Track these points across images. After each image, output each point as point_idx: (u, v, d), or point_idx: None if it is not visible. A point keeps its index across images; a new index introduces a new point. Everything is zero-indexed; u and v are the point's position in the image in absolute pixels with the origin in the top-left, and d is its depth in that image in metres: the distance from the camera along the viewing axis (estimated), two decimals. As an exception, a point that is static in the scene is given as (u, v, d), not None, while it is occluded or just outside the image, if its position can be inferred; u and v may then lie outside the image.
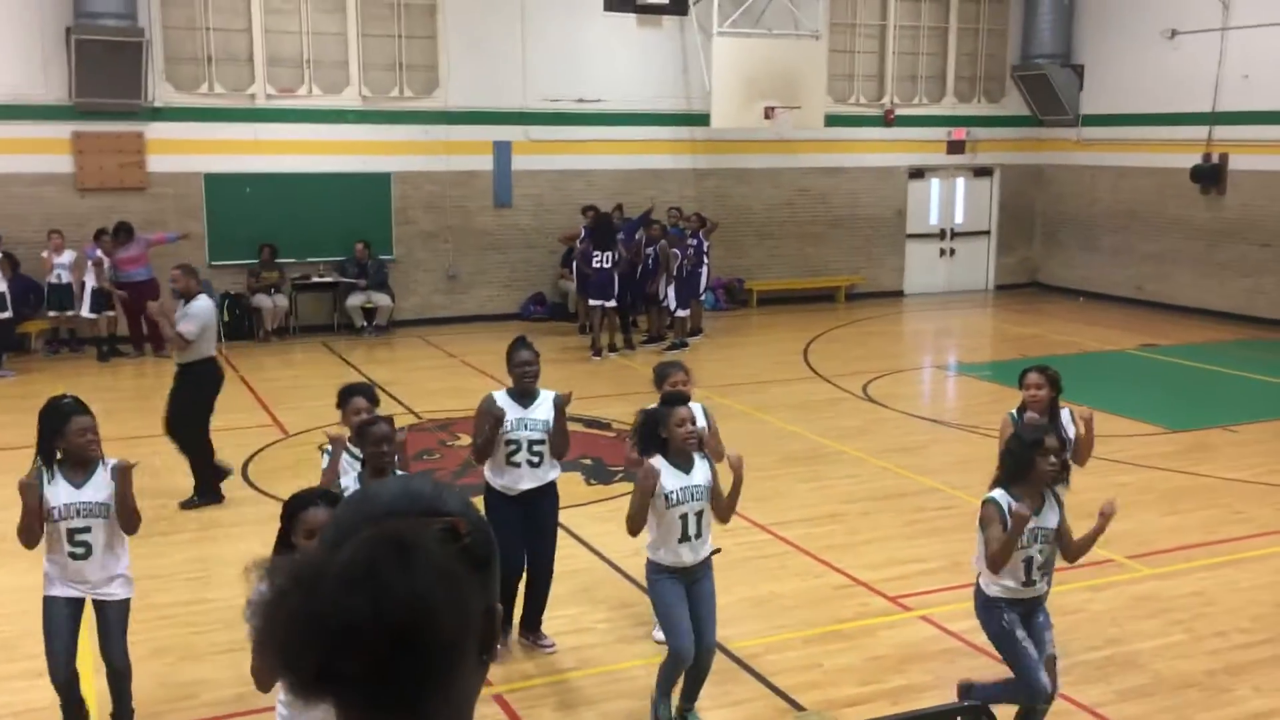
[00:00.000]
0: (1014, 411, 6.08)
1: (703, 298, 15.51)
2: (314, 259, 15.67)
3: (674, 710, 5.27)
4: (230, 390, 12.46)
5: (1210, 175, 16.95)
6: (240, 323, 15.20)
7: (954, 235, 20.05)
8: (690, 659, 5.11)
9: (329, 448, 5.48)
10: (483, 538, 1.24)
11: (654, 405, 5.30)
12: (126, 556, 5.04)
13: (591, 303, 14.24)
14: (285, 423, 10.83)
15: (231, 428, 10.76)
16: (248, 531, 7.73)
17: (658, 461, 5.07)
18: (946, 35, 19.22)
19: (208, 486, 8.46)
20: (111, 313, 13.95)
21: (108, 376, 13.21)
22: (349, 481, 5.25)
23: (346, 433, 5.51)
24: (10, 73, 13.99)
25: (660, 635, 5.67)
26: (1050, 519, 4.84)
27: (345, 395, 5.73)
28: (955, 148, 19.52)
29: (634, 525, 5.10)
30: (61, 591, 4.90)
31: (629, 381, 12.22)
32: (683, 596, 5.12)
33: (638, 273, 14.72)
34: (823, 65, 17.19)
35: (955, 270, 20.09)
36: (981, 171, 20.01)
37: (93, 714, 5.18)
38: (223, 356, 14.00)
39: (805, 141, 17.98)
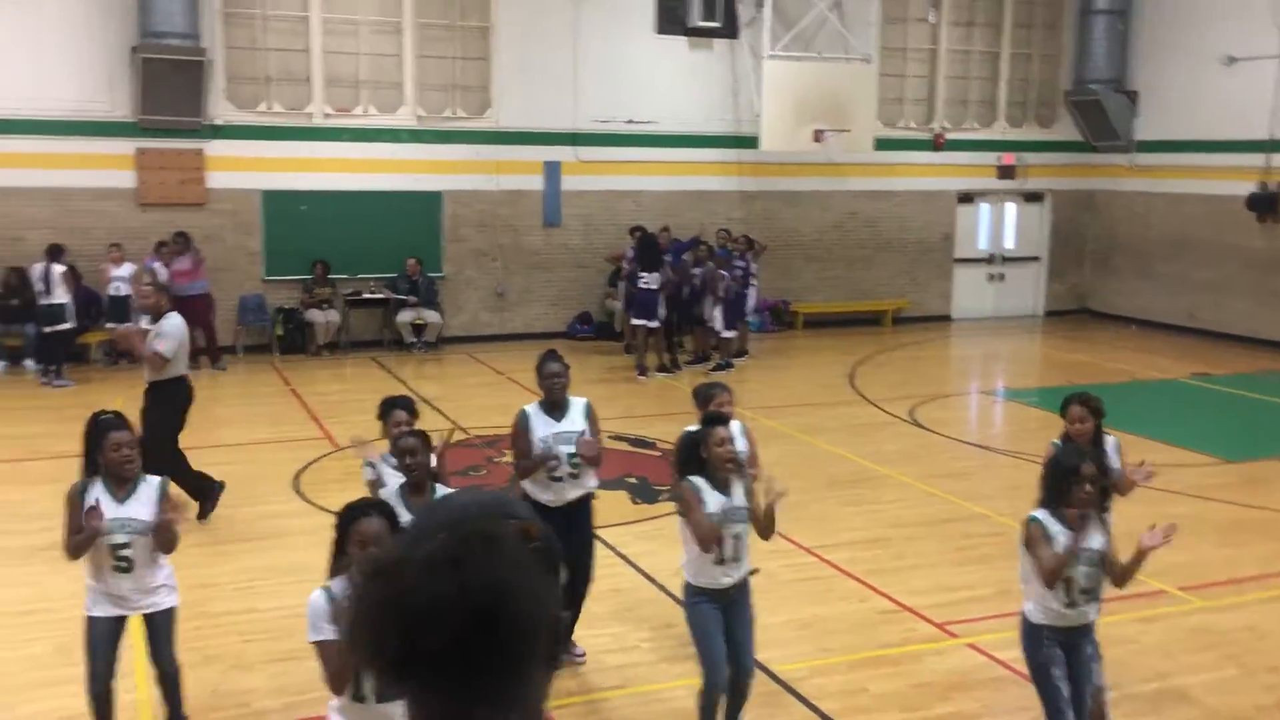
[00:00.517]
0: (1057, 440, 6.02)
1: (749, 320, 15.52)
2: (365, 275, 15.89)
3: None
4: (283, 403, 12.74)
5: (1266, 203, 16.71)
6: (294, 337, 15.44)
7: (1003, 260, 19.92)
8: (723, 689, 5.09)
9: (373, 460, 5.60)
10: (551, 544, 1.30)
11: (694, 427, 5.31)
12: (168, 565, 5.06)
13: (635, 322, 14.32)
14: (335, 435, 10.97)
15: (283, 440, 10.96)
16: (298, 542, 7.83)
17: (698, 481, 5.07)
18: (998, 60, 19.16)
19: (203, 490, 8.37)
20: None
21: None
22: (389, 493, 5.33)
23: (381, 445, 5.63)
24: (78, 90, 14.37)
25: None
26: (1095, 540, 4.80)
27: (386, 408, 5.84)
28: (1006, 172, 19.40)
29: (707, 535, 5.01)
30: (104, 611, 4.93)
31: (674, 402, 12.24)
32: (720, 624, 5.11)
33: (684, 294, 14.78)
34: (873, 89, 17.19)
35: (1004, 295, 19.94)
36: (1032, 197, 19.86)
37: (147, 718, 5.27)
38: (276, 371, 14.32)
39: (854, 165, 17.98)
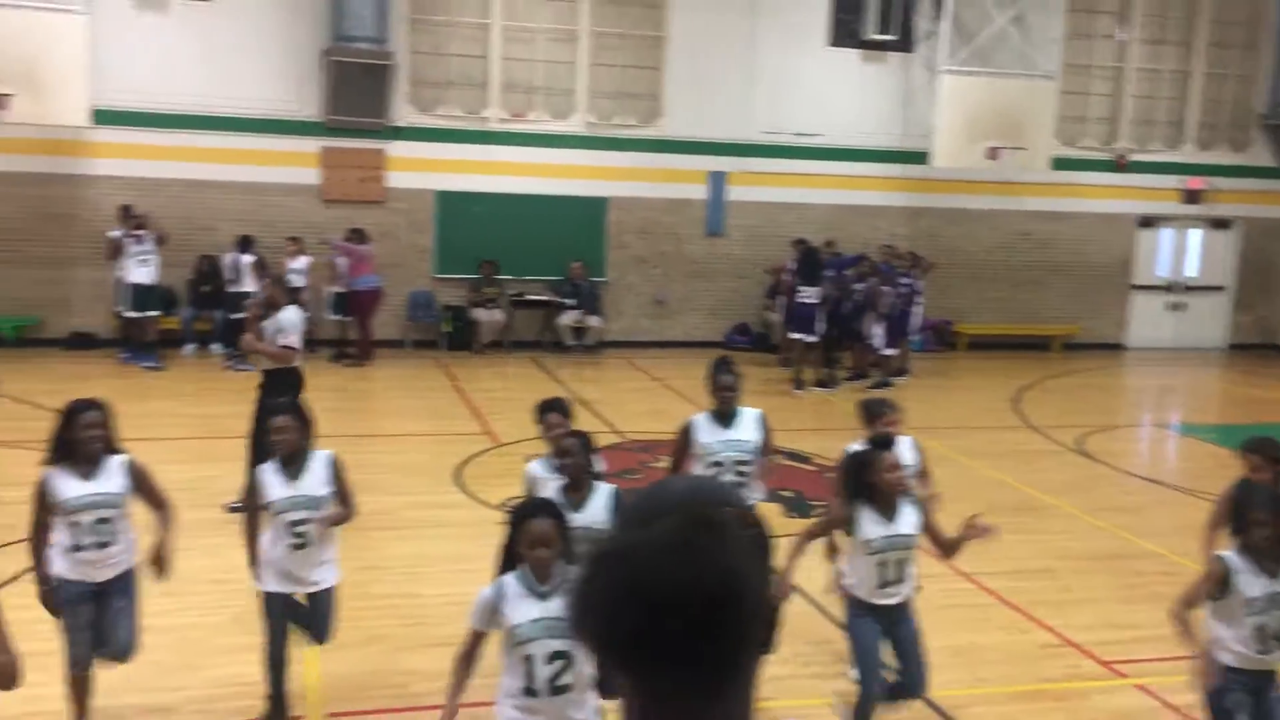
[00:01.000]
0: (1236, 483, 5.72)
1: (912, 339, 15.21)
2: (530, 277, 16.25)
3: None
4: (447, 398, 13.12)
5: None
6: (460, 334, 15.92)
7: (1185, 289, 18.98)
8: (880, 699, 5.06)
9: (536, 462, 5.73)
10: (765, 530, 1.32)
11: (859, 446, 5.24)
12: (335, 543, 5.38)
13: (793, 335, 14.21)
14: (497, 432, 11.24)
15: (446, 433, 11.29)
16: (460, 533, 8.06)
17: (861, 509, 5.02)
18: (1187, 80, 18.29)
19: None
20: (348, 317, 14.94)
21: (335, 377, 14.03)
22: (548, 494, 5.42)
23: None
24: (271, 90, 15.18)
25: (855, 674, 5.60)
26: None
27: (542, 410, 5.95)
28: (1191, 197, 18.49)
29: (809, 536, 5.10)
30: (277, 588, 5.28)
31: (829, 417, 12.11)
32: (879, 638, 5.06)
33: (845, 309, 14.59)
34: (1052, 106, 16.64)
35: (1184, 325, 18.99)
36: (1219, 223, 18.88)
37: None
38: (442, 367, 14.77)
39: (1027, 184, 17.44)
